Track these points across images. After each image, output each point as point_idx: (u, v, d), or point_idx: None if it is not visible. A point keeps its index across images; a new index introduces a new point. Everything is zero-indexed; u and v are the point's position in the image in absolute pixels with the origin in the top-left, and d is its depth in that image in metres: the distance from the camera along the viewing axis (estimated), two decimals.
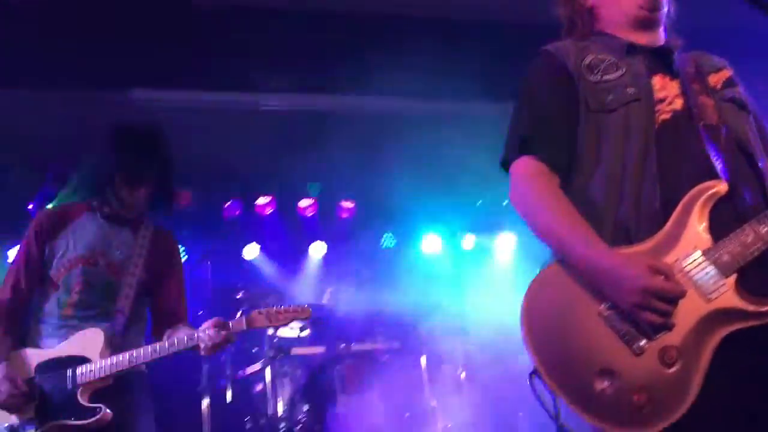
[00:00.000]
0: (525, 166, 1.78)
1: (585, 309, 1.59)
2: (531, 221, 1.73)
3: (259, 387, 5.21)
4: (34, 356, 2.69)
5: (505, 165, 1.85)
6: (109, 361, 2.62)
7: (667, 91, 1.75)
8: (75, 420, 2.58)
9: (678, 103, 1.73)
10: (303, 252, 7.40)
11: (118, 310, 2.74)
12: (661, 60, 1.81)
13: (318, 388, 5.06)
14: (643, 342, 1.54)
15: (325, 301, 5.76)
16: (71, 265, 2.76)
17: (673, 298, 1.51)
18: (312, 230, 7.40)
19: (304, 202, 7.33)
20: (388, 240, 7.65)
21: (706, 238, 1.58)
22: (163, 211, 2.98)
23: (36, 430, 2.58)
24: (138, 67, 4.84)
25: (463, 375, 5.22)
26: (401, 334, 5.46)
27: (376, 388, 4.89)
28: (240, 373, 5.39)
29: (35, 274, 2.78)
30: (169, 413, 5.57)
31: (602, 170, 1.71)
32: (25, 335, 2.76)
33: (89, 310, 2.73)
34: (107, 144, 2.92)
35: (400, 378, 5.01)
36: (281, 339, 5.37)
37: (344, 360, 5.13)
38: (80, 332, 2.69)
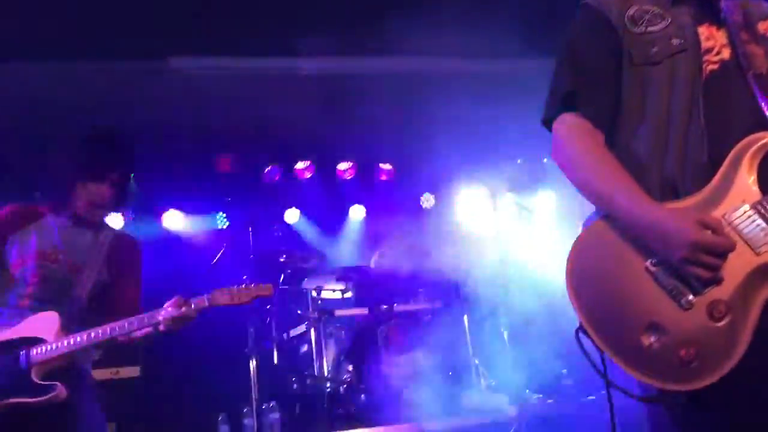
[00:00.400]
0: (568, 123, 1.76)
1: (631, 265, 1.58)
2: (575, 178, 1.71)
3: (304, 348, 5.32)
4: None
5: (547, 122, 1.83)
6: (66, 341, 2.64)
7: (714, 40, 1.70)
8: (29, 397, 2.58)
9: (726, 53, 1.68)
10: (343, 215, 7.46)
11: (74, 298, 2.80)
12: (707, 9, 1.75)
13: (362, 348, 5.14)
14: (690, 297, 1.52)
15: (372, 264, 5.81)
16: (30, 259, 2.80)
17: (721, 253, 1.50)
18: (351, 193, 7.44)
19: (342, 166, 7.36)
20: (427, 200, 7.65)
21: (754, 191, 1.55)
22: (124, 207, 3.06)
23: None
24: (176, 35, 4.87)
25: (505, 333, 5.24)
26: (443, 293, 5.49)
27: (419, 348, 4.95)
28: (285, 335, 5.50)
29: None
30: (219, 375, 5.77)
31: (647, 124, 1.68)
32: None
33: (45, 303, 2.76)
34: (72, 147, 3.00)
35: (443, 337, 5.05)
36: (325, 301, 5.46)
37: (387, 320, 5.19)
38: (34, 315, 2.72)
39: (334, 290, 5.67)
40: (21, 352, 2.64)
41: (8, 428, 2.62)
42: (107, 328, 2.68)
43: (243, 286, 2.79)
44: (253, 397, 5.00)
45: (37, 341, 2.66)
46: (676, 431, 1.63)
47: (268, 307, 5.49)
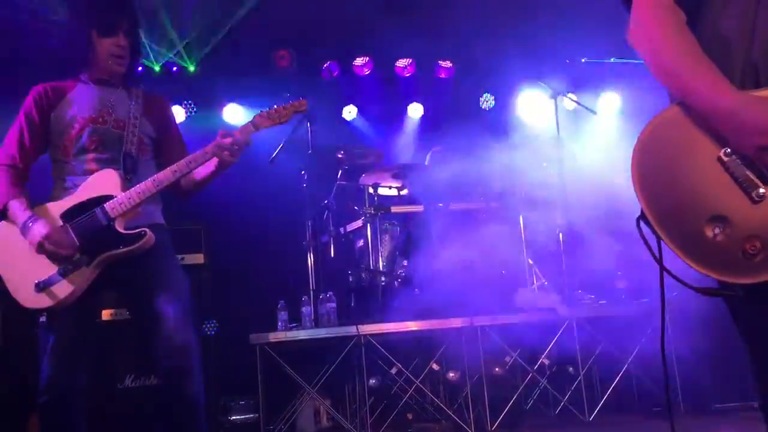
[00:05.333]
0: (649, 0, 1.67)
1: (703, 153, 1.54)
2: (654, 63, 1.64)
3: (360, 243, 5.43)
4: (55, 208, 2.81)
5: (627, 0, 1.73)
6: (133, 189, 2.77)
7: None
8: (123, 247, 2.73)
9: None
10: (401, 113, 7.41)
11: (126, 153, 2.89)
12: None
13: (416, 244, 5.22)
14: (763, 189, 1.48)
15: (427, 162, 5.81)
16: (81, 127, 2.87)
17: None
18: (409, 91, 7.35)
19: (401, 62, 7.25)
20: (487, 100, 7.52)
21: None
22: (134, 72, 3.09)
23: (88, 266, 2.72)
24: None
25: (561, 235, 5.24)
26: (500, 193, 5.48)
27: (474, 247, 4.99)
28: (342, 229, 5.61)
29: (39, 138, 2.90)
30: (278, 265, 5.97)
31: (734, 6, 1.59)
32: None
33: (108, 163, 2.87)
34: (77, 8, 3.04)
35: (498, 236, 5.08)
36: (381, 197, 5.52)
37: (443, 218, 5.24)
38: (92, 176, 2.83)
39: (390, 187, 5.71)
40: (97, 211, 2.75)
41: (108, 283, 2.79)
42: (168, 171, 2.81)
43: (280, 106, 2.94)
44: (311, 287, 5.18)
45: (106, 198, 2.77)
46: (735, 323, 1.63)
47: (325, 202, 5.59)
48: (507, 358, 4.87)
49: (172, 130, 3.17)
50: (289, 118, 2.95)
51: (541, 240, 5.33)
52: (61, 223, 2.77)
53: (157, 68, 6.59)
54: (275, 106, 2.93)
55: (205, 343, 4.29)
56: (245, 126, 2.89)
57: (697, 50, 1.58)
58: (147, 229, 2.75)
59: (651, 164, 1.58)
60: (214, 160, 2.88)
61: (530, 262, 5.35)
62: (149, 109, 3.06)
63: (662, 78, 1.62)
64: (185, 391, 2.69)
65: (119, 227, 2.75)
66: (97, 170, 2.85)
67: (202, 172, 2.97)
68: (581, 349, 4.73)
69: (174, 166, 2.82)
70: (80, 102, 2.93)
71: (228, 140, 2.81)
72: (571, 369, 4.90)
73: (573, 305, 4.89)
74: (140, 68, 3.24)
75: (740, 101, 1.49)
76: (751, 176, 1.49)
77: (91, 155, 2.87)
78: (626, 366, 4.71)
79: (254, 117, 2.91)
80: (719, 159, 1.53)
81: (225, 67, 6.69)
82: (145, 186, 2.78)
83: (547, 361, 4.90)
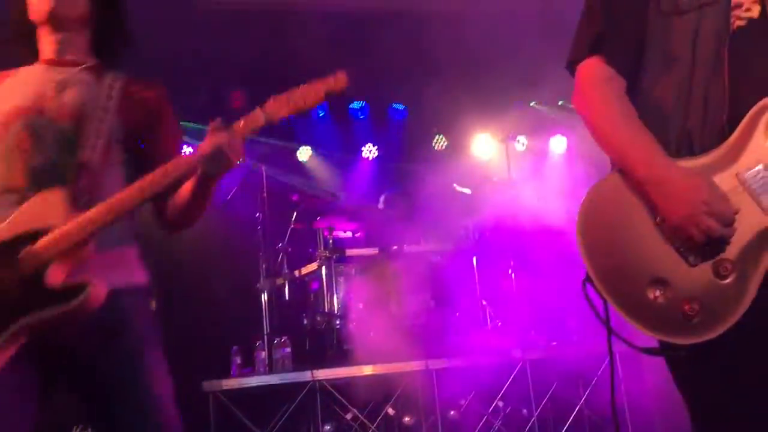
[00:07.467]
0: (592, 68, 1.74)
1: (642, 218, 1.61)
2: (592, 129, 1.72)
3: (315, 286, 5.42)
4: None
5: (571, 66, 1.81)
6: (79, 219, 1.80)
7: None
8: (52, 308, 1.75)
9: (755, 10, 1.65)
10: (356, 154, 7.47)
11: (82, 164, 1.91)
12: None
13: (371, 287, 5.23)
14: (697, 254, 1.56)
15: (381, 204, 5.85)
16: (8, 121, 1.93)
17: (728, 219, 1.52)
18: (364, 132, 7.43)
19: (355, 104, 7.34)
20: (439, 142, 7.64)
21: None
22: (109, 54, 2.13)
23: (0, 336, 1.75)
24: None
25: (513, 276, 5.32)
26: (453, 235, 5.55)
27: (428, 289, 5.03)
28: (297, 272, 5.60)
29: None
30: (232, 308, 5.90)
31: (670, 76, 1.67)
32: None
33: (46, 177, 1.88)
34: None
35: (452, 278, 5.13)
36: (336, 240, 5.54)
37: (397, 261, 5.27)
38: (28, 202, 1.85)
39: (345, 230, 5.74)
40: (21, 254, 1.79)
41: (43, 357, 1.84)
42: (134, 187, 1.85)
43: (305, 85, 1.89)
44: (265, 331, 5.14)
45: (39, 233, 1.80)
46: (676, 382, 1.69)
47: (280, 244, 5.57)
48: (462, 401, 4.89)
49: (164, 138, 2.10)
50: (318, 102, 1.91)
51: (494, 281, 5.40)
52: None
53: None
54: (300, 86, 1.89)
55: None
56: (252, 116, 1.89)
57: (634, 120, 1.66)
58: (92, 281, 1.77)
59: (594, 228, 1.64)
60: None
61: (484, 303, 5.41)
62: (130, 102, 2.05)
63: (601, 146, 1.69)
64: None
65: (52, 276, 1.77)
66: (26, 185, 1.87)
67: (185, 192, 1.97)
68: (535, 391, 4.78)
69: (142, 180, 1.85)
70: (15, 90, 2.00)
71: (223, 136, 1.84)
72: (525, 411, 4.93)
73: (526, 347, 4.95)
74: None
75: (669, 173, 1.57)
76: (687, 241, 1.56)
77: (20, 164, 1.89)
78: (579, 406, 4.77)
79: (267, 102, 1.89)
80: (657, 225, 1.60)
81: (177, 106, 6.65)
82: (97, 213, 1.81)
83: (501, 403, 4.93)
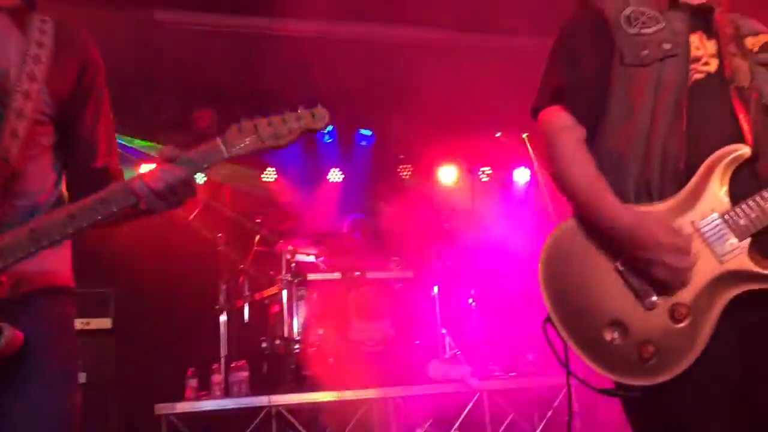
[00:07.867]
0: (553, 116, 1.79)
1: (601, 263, 1.65)
2: (553, 174, 1.77)
3: (275, 309, 5.38)
4: None
5: (534, 112, 1.86)
6: None
7: (703, 50, 1.74)
8: None
9: (713, 64, 1.73)
10: (321, 178, 7.46)
11: None
12: (701, 18, 1.78)
13: (332, 313, 5.21)
14: (654, 298, 1.60)
15: (345, 229, 5.86)
16: None
17: (690, 259, 1.57)
18: (330, 156, 7.43)
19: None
20: (404, 170, 7.67)
21: (725, 202, 1.62)
22: None
23: None
24: None
25: (474, 305, 5.36)
26: (415, 263, 5.57)
27: (388, 315, 5.04)
28: (257, 295, 5.55)
29: None
30: (189, 330, 5.81)
31: (630, 125, 1.72)
32: None
33: None
34: None
35: (412, 306, 5.15)
36: (298, 264, 5.51)
37: (358, 287, 5.27)
38: None
39: (307, 254, 5.72)
40: None
41: None
42: (61, 213, 1.51)
43: (278, 116, 1.58)
44: (222, 354, 5.07)
45: None
46: (630, 421, 1.72)
47: (241, 267, 5.53)
48: (419, 430, 4.87)
49: (92, 100, 1.69)
50: (291, 141, 1.59)
51: (454, 311, 5.43)
52: None
53: None
54: (271, 117, 1.57)
55: (105, 414, 4.11)
56: (211, 148, 1.56)
57: (593, 171, 1.71)
58: (3, 325, 1.46)
59: (555, 271, 1.68)
60: None
61: (443, 331, 5.43)
62: (64, 56, 1.61)
63: (566, 196, 1.74)
64: None
65: None
66: None
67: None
68: (492, 421, 4.79)
69: (72, 207, 1.52)
70: None
71: (175, 171, 1.51)
72: None
73: (484, 377, 4.97)
74: None
75: (632, 218, 1.62)
76: (644, 286, 1.61)
77: None
78: None
79: (229, 131, 1.56)
80: (615, 269, 1.64)
81: (142, 125, 6.59)
82: (9, 242, 1.46)
83: None
